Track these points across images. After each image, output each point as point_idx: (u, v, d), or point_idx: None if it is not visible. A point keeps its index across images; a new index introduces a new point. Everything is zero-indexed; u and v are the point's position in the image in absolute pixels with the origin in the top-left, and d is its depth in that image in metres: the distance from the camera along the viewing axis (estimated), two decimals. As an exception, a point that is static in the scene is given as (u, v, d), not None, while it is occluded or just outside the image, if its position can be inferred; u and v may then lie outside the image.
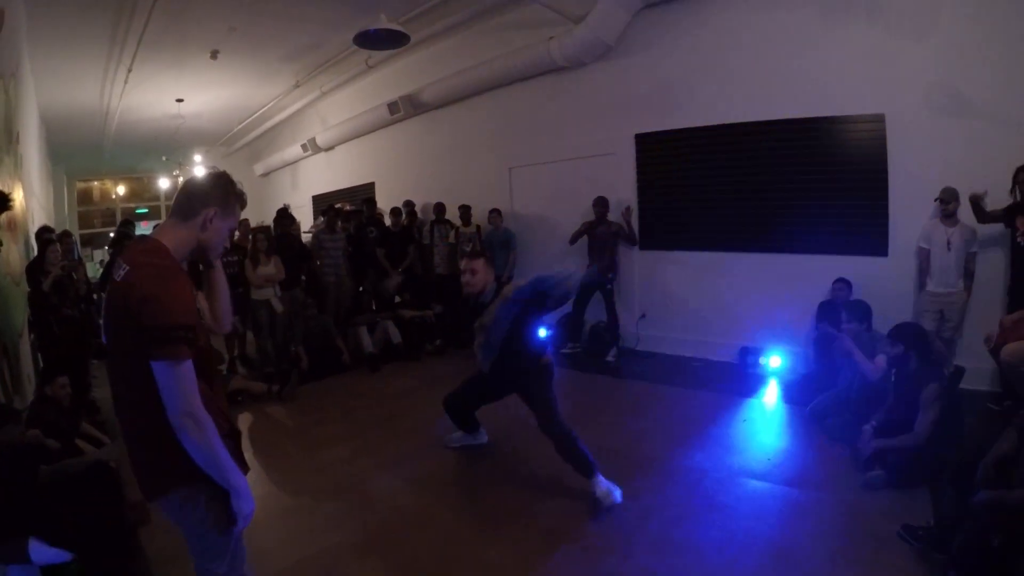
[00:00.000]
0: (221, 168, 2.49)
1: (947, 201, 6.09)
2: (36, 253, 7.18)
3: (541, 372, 4.85)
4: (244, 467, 2.43)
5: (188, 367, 2.07)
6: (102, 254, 20.56)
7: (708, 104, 8.05)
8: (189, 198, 2.33)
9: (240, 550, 2.45)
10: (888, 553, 3.58)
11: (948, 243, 6.15)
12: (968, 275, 6.20)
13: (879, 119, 6.72)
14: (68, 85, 11.90)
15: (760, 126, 7.60)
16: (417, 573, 3.81)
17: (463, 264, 4.86)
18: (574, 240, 8.92)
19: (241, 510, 2.26)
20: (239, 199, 2.42)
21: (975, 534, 3.09)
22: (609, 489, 4.41)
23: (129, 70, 10.84)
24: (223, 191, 2.36)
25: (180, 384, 2.05)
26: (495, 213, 10.06)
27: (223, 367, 8.67)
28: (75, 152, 18.57)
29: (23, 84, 8.51)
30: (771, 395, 6.81)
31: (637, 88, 8.77)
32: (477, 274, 4.74)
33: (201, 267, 2.60)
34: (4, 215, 5.80)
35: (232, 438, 2.39)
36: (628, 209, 8.67)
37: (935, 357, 5.12)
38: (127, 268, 2.16)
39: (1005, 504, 3.13)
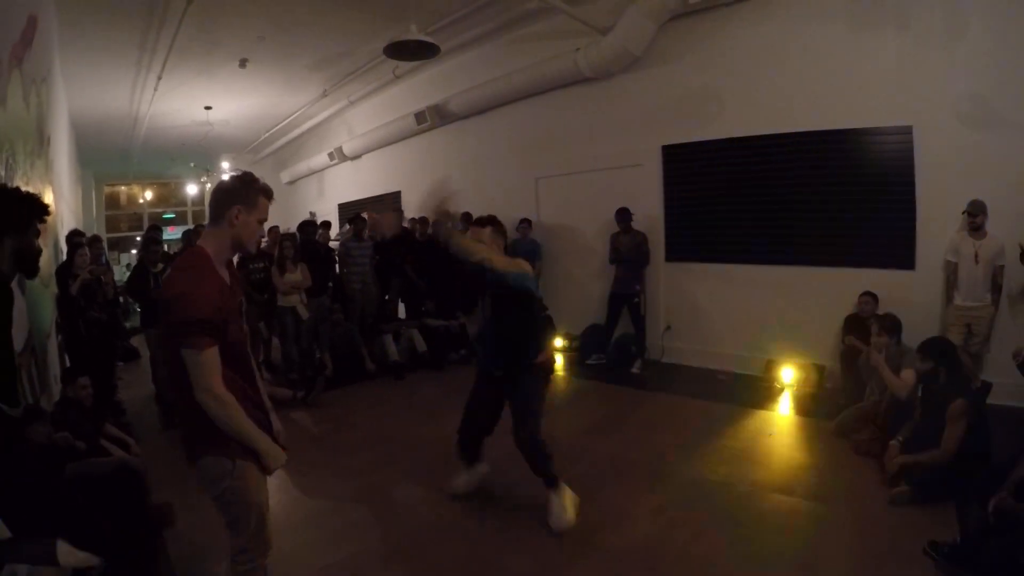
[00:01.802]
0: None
1: (975, 214, 6.05)
2: (66, 256, 7.27)
3: (537, 371, 4.55)
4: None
5: (210, 355, 2.43)
6: (129, 258, 20.83)
7: (735, 116, 8.03)
8: (215, 202, 2.66)
9: (263, 531, 2.75)
10: (914, 570, 3.56)
11: (976, 256, 6.10)
12: (996, 288, 6.14)
13: (906, 131, 6.68)
14: (98, 91, 12.07)
15: (787, 138, 7.58)
16: (439, 581, 3.82)
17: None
18: (612, 259, 8.87)
19: (269, 467, 2.68)
20: (262, 192, 2.70)
21: (1002, 552, 3.06)
22: (564, 510, 4.34)
23: (159, 77, 10.98)
24: (243, 188, 2.65)
25: (201, 368, 2.41)
26: (525, 223, 10.09)
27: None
28: (104, 157, 18.80)
29: (54, 89, 8.61)
30: (796, 409, 6.77)
31: (664, 100, 8.77)
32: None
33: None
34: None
35: (266, 428, 2.79)
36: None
37: (963, 372, 5.07)
38: (170, 269, 2.63)
39: (1016, 515, 3.14)
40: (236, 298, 2.75)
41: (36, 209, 3.16)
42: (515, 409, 4.48)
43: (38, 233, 3.16)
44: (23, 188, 3.67)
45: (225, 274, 2.68)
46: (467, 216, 10.60)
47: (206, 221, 2.93)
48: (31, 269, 3.25)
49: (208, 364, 2.43)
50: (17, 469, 2.93)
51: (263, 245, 9.88)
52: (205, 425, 2.48)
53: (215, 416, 2.45)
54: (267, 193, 2.73)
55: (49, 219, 7.16)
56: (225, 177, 2.84)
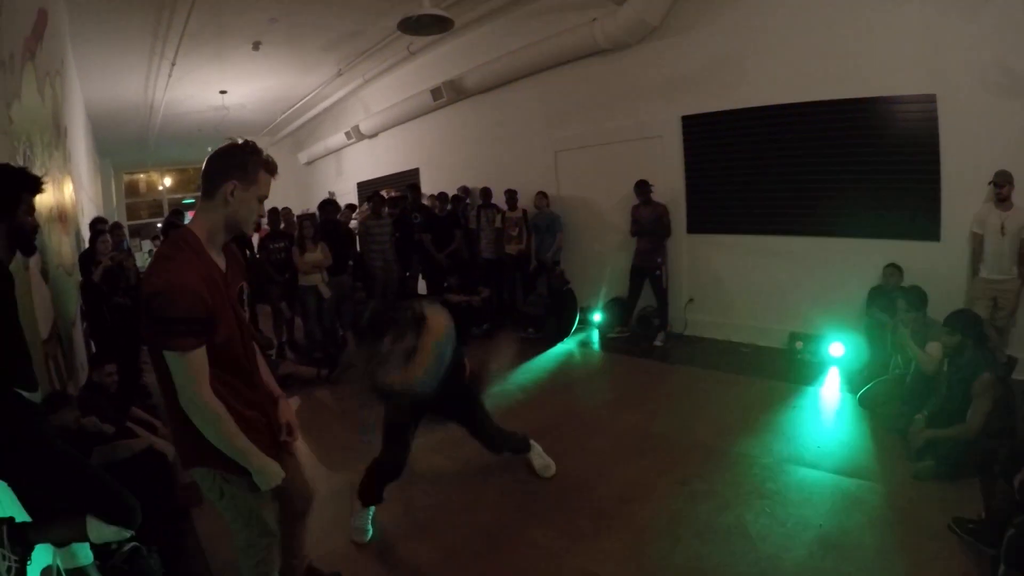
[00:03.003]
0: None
1: (1001, 184, 5.91)
2: (88, 244, 7.36)
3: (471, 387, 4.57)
4: (274, 454, 2.57)
5: (196, 356, 2.19)
6: (150, 244, 21.01)
7: (755, 85, 7.91)
8: (208, 174, 2.34)
9: (266, 527, 2.66)
10: (937, 545, 3.55)
11: (1002, 228, 5.97)
12: (1022, 261, 6.02)
13: (930, 99, 6.54)
14: (112, 80, 12.15)
15: (809, 107, 7.45)
16: (466, 554, 3.87)
17: None
18: (634, 232, 8.82)
19: (260, 486, 2.43)
20: (263, 164, 2.39)
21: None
22: (545, 462, 4.76)
23: (172, 63, 11.01)
24: (240, 160, 2.34)
25: (186, 373, 2.18)
26: (541, 195, 10.05)
27: (272, 352, 8.80)
28: (121, 146, 19.03)
29: (68, 80, 8.67)
30: (820, 381, 6.73)
31: (683, 69, 8.65)
32: None
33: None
34: (55, 207, 5.98)
35: (266, 431, 2.58)
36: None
37: (989, 346, 5.02)
38: (152, 258, 2.31)
39: None
40: (233, 286, 2.47)
41: (24, 183, 3.05)
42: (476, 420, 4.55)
43: (32, 209, 3.07)
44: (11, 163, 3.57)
45: (220, 260, 2.42)
46: (486, 191, 10.65)
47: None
48: (26, 247, 3.17)
49: (193, 368, 2.19)
50: (39, 454, 2.95)
51: (281, 226, 9.94)
52: (195, 434, 2.28)
53: (202, 428, 2.25)
54: (269, 167, 2.41)
55: (70, 209, 7.27)
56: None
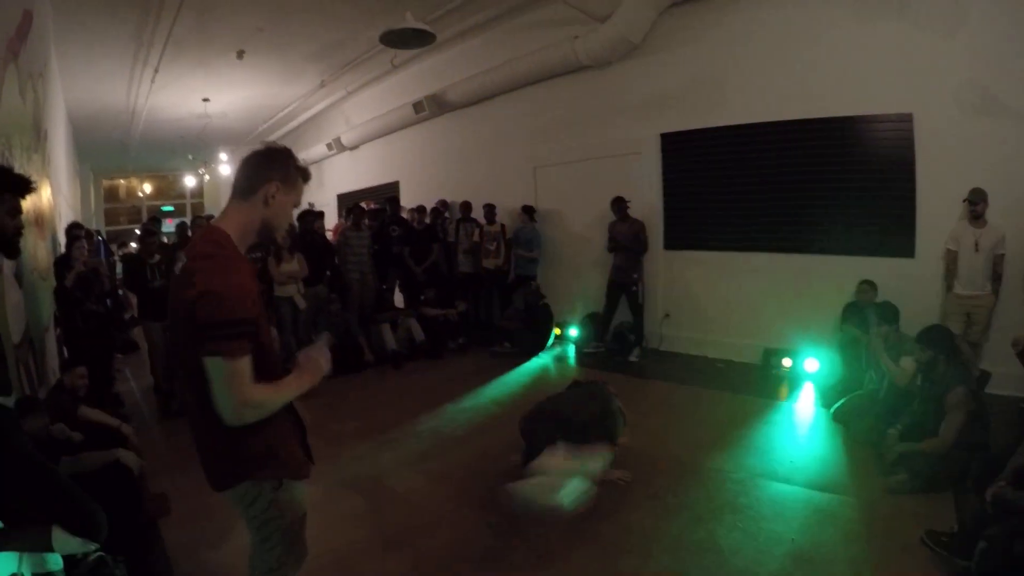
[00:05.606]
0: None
1: (975, 202, 6.01)
2: (64, 249, 7.28)
3: None
4: (309, 460, 2.51)
5: (243, 364, 1.98)
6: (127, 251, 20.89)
7: (733, 104, 8.00)
8: (248, 174, 2.21)
9: (299, 542, 2.45)
10: (911, 559, 3.55)
11: (976, 245, 6.06)
12: (996, 278, 6.10)
13: (906, 118, 6.65)
14: (95, 85, 12.10)
15: (786, 125, 7.55)
16: (436, 570, 3.82)
17: None
18: (610, 247, 8.87)
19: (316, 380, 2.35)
20: (301, 172, 2.33)
21: (998, 541, 3.05)
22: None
23: (156, 70, 11.01)
24: (283, 163, 2.25)
25: (232, 379, 1.95)
26: (528, 209, 10.14)
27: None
28: (101, 151, 18.88)
29: (50, 83, 8.61)
30: (794, 397, 6.76)
31: (662, 87, 8.73)
32: None
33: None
34: (32, 211, 5.91)
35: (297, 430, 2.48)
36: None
37: (962, 361, 5.06)
38: (185, 260, 2.10)
39: (1014, 504, 3.14)
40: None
41: (6, 183, 2.93)
42: None
43: (16, 210, 2.95)
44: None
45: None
46: (466, 205, 10.63)
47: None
48: (8, 250, 3.04)
49: (241, 376, 1.96)
50: (10, 460, 2.91)
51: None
52: (239, 448, 2.10)
53: (264, 416, 2.07)
54: (305, 175, 2.36)
55: (47, 213, 7.21)
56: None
